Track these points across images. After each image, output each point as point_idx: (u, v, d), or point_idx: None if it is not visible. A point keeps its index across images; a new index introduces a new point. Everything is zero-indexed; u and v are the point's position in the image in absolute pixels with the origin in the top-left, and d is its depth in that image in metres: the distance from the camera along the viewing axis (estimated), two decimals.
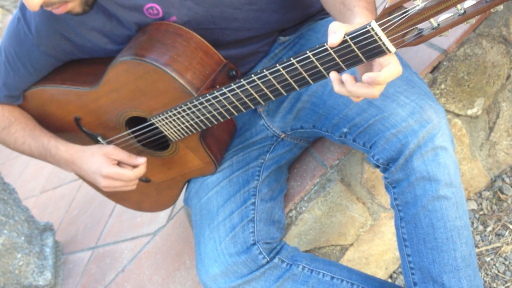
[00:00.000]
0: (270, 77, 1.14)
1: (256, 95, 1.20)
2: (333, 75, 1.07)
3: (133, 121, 1.46)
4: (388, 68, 1.00)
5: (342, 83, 1.07)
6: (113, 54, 1.36)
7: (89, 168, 1.43)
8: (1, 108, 1.54)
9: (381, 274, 1.76)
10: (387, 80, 1.00)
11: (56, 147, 1.48)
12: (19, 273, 2.05)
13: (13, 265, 2.03)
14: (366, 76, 1.00)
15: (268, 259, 1.38)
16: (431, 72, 1.56)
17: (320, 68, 1.07)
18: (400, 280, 1.76)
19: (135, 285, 1.88)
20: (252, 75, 1.16)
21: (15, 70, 1.42)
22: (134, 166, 1.45)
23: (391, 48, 0.99)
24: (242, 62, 1.47)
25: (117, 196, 1.79)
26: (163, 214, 2.08)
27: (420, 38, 0.99)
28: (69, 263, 2.32)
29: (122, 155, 1.42)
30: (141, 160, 1.43)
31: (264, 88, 1.17)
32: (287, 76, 1.12)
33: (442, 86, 1.58)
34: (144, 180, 1.63)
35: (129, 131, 1.48)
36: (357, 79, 1.05)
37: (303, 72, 1.10)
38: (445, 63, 1.56)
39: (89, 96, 1.42)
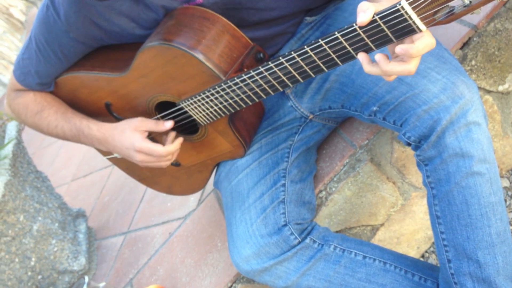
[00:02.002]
0: (298, 59, 1.13)
1: (284, 78, 1.19)
2: (361, 56, 1.06)
3: (163, 106, 1.47)
4: (421, 40, 0.99)
5: (372, 63, 1.06)
6: (141, 39, 1.37)
7: (123, 145, 1.45)
8: (33, 94, 1.56)
9: (413, 253, 1.76)
10: (420, 52, 0.98)
11: (88, 127, 1.50)
12: (54, 258, 2.10)
13: (48, 251, 2.08)
14: (399, 48, 0.99)
15: (300, 240, 1.38)
16: (461, 48, 1.53)
17: (349, 49, 1.06)
18: (432, 260, 1.76)
19: (168, 268, 1.91)
20: (280, 58, 1.15)
21: (46, 57, 1.44)
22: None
23: (422, 27, 0.97)
24: (269, 43, 1.47)
25: (148, 180, 1.81)
26: (193, 198, 2.10)
27: (452, 16, 0.97)
28: (102, 248, 2.36)
29: (150, 124, 1.44)
30: (168, 124, 1.43)
31: (292, 71, 1.17)
32: (315, 58, 1.11)
33: (473, 62, 1.55)
34: (174, 164, 1.65)
35: (159, 115, 1.49)
36: (389, 58, 1.04)
37: (332, 54, 1.09)
38: (475, 38, 1.53)
39: (119, 81, 1.44)
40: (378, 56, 1.03)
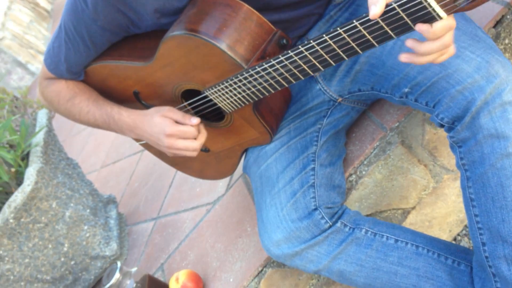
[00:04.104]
0: (317, 47, 1.11)
1: (305, 66, 1.17)
2: (409, 42, 1.03)
3: (189, 93, 1.47)
4: (439, 22, 0.96)
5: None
6: (166, 27, 1.37)
7: (152, 130, 1.46)
8: (65, 82, 1.58)
9: (445, 237, 1.74)
10: (437, 35, 0.96)
11: (119, 113, 1.52)
12: (87, 244, 2.13)
13: (80, 236, 2.11)
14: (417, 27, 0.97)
15: (331, 224, 1.38)
16: (494, 26, 1.49)
17: (369, 37, 1.04)
18: (464, 243, 1.73)
19: (198, 253, 1.92)
20: (300, 46, 1.13)
21: (75, 46, 1.46)
22: None
23: (442, 14, 0.94)
24: (295, 25, 1.45)
25: (180, 165, 1.83)
26: (222, 184, 2.10)
27: (474, 3, 0.94)
28: (133, 233, 2.39)
29: (178, 115, 1.44)
30: (194, 121, 1.43)
31: (312, 59, 1.14)
32: (335, 46, 1.09)
33: (506, 41, 1.51)
34: (203, 149, 1.66)
35: (185, 103, 1.50)
36: None
37: (351, 42, 1.06)
38: (508, 16, 1.49)
39: (145, 70, 1.44)
40: (410, 43, 1.01)
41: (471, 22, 1.27)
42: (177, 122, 1.45)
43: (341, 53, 1.10)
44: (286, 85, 1.26)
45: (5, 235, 1.88)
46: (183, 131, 1.43)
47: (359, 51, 1.08)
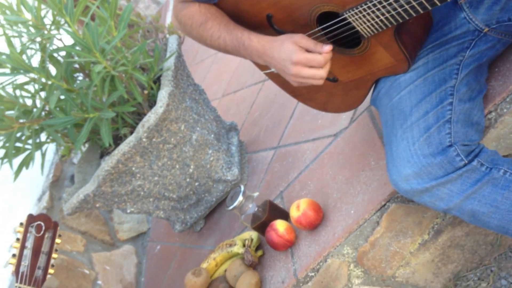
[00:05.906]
0: None
1: None
2: None
3: (325, 17, 1.43)
4: None
5: None
6: None
7: (280, 56, 1.44)
8: (198, 6, 1.60)
9: None
10: None
11: (249, 39, 1.51)
12: (210, 167, 2.21)
13: (205, 160, 2.19)
14: None
15: (466, 162, 1.31)
16: None
17: None
18: None
19: (318, 183, 1.92)
20: None
21: None
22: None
23: None
24: None
25: (304, 96, 1.81)
26: (345, 116, 2.06)
27: None
28: (253, 161, 2.44)
29: (309, 42, 1.41)
30: (327, 48, 1.39)
31: None
32: None
33: None
34: (331, 79, 1.62)
35: (320, 27, 1.45)
36: None
37: None
38: None
39: None
40: None
41: None
42: (307, 50, 1.42)
43: None
44: (439, 4, 1.17)
45: (138, 153, 1.99)
46: (309, 59, 1.40)
47: None
